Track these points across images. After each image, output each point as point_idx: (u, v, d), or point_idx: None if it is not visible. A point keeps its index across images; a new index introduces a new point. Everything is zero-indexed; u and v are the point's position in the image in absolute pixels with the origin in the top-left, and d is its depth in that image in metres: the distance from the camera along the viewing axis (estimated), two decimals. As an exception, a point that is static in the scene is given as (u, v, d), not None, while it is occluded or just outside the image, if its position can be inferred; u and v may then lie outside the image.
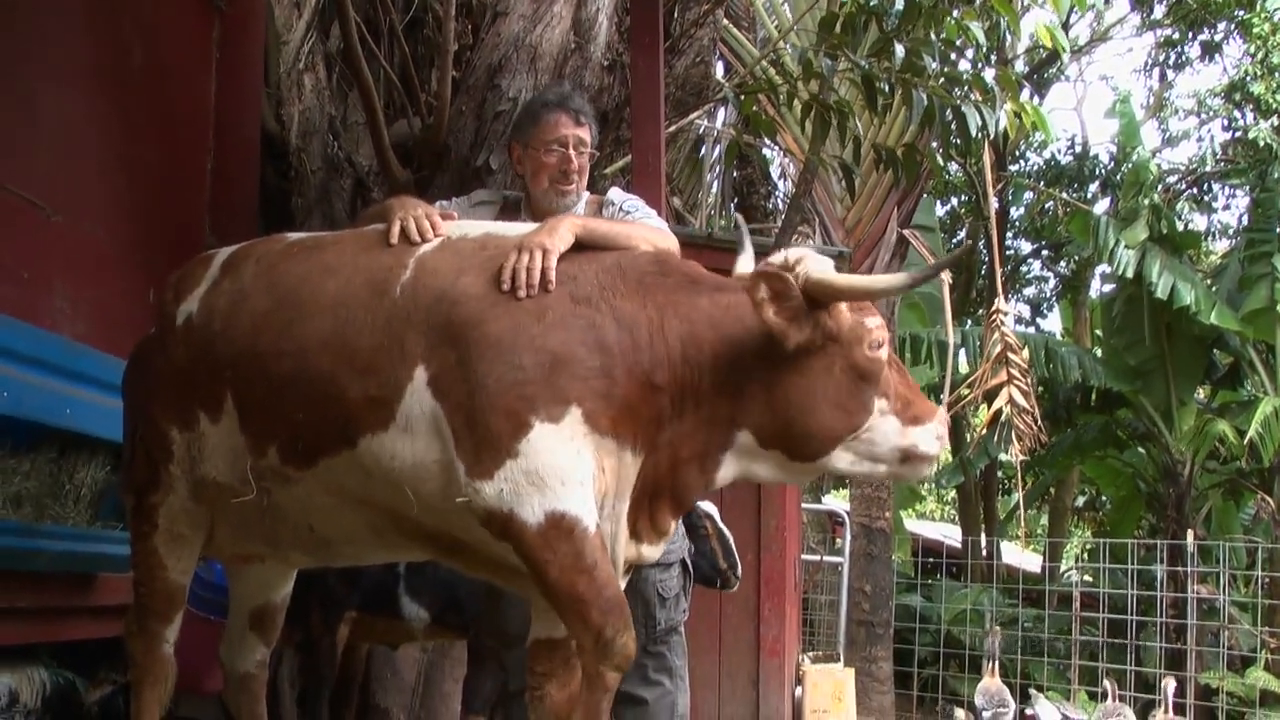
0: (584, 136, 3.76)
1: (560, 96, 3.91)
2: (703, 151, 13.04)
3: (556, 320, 2.87)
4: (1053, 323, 20.72)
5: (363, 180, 6.10)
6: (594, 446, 2.83)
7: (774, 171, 15.04)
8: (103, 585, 4.44)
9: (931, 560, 14.90)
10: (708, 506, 4.62)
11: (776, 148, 13.21)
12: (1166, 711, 9.72)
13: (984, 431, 13.24)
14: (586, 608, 2.79)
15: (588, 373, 2.83)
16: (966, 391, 11.38)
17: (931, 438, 3.04)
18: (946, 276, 12.15)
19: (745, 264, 3.32)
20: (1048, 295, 20.77)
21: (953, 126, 6.00)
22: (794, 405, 2.92)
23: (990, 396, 10.91)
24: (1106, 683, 10.09)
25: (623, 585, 3.11)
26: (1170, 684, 9.92)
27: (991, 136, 6.49)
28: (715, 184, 13.60)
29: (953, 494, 22.71)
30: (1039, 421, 10.74)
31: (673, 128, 6.61)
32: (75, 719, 4.39)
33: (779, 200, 14.52)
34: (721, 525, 4.69)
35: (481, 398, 2.82)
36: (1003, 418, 10.78)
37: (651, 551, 3.10)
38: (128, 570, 3.65)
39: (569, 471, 2.80)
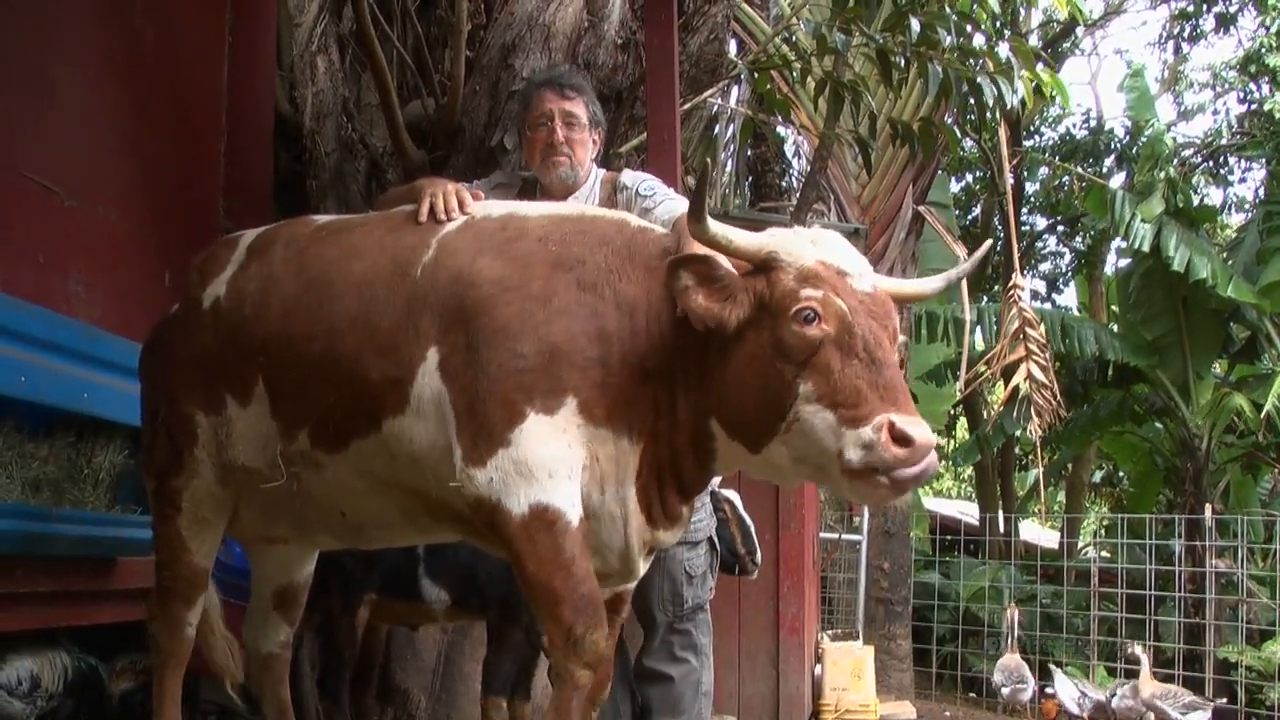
0: (572, 109, 3.77)
1: (547, 75, 3.94)
2: (717, 130, 12.99)
3: (561, 308, 2.84)
4: (1069, 298, 20.62)
5: (377, 162, 6.08)
6: (587, 438, 2.81)
7: (788, 149, 15.01)
8: (122, 569, 4.45)
9: (949, 537, 14.83)
10: (729, 492, 4.58)
11: (791, 125, 13.15)
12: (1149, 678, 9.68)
13: (1001, 408, 13.20)
14: (559, 604, 2.75)
15: (586, 363, 2.80)
16: (984, 368, 11.35)
17: (855, 445, 2.52)
18: (962, 252, 12.10)
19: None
20: (1064, 270, 20.66)
21: (969, 100, 5.96)
22: (730, 384, 2.72)
23: (1008, 372, 10.88)
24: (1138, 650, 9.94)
25: (644, 568, 3.10)
26: (1138, 648, 9.85)
27: (1008, 107, 6.43)
28: (730, 162, 13.56)
29: (970, 471, 22.69)
30: (1058, 397, 10.71)
31: (687, 105, 6.55)
32: (97, 703, 4.41)
33: (793, 178, 14.50)
34: (742, 512, 4.64)
35: (484, 384, 2.80)
36: (1021, 393, 10.75)
37: (668, 536, 3.07)
38: (147, 554, 3.67)
39: (557, 464, 2.77)
